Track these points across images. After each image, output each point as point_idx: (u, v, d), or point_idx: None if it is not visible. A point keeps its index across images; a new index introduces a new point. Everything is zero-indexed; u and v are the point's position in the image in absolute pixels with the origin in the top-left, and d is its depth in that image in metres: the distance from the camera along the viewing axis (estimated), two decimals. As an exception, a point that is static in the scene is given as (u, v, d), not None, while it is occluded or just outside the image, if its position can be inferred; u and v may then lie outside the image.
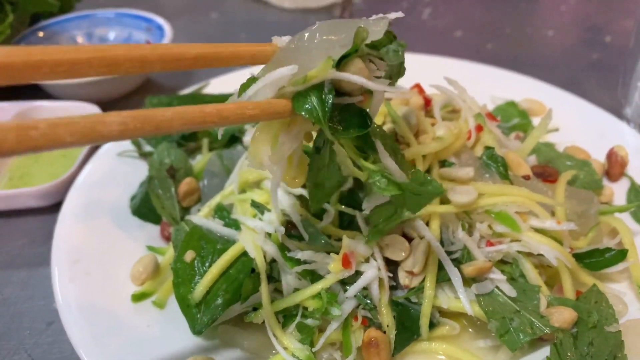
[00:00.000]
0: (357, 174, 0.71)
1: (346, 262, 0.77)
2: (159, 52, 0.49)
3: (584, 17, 1.94)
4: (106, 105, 1.37)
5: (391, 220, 0.76)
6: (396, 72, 0.72)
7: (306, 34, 0.62)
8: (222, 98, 1.24)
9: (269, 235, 0.84)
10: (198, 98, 1.23)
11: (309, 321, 0.79)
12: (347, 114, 0.64)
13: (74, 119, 0.40)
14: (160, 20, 1.56)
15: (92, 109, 1.30)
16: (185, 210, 1.00)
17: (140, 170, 1.09)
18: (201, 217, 0.92)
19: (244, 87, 0.62)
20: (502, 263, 0.86)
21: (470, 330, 0.84)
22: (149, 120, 0.45)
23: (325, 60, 0.59)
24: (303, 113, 0.60)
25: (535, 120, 1.21)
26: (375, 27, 0.64)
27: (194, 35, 1.85)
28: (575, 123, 1.20)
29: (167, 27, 1.52)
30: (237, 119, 0.54)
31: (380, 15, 0.67)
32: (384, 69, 0.67)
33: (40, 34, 1.52)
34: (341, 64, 0.61)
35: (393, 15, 0.66)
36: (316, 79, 0.59)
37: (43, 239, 1.06)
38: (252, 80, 0.62)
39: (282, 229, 0.81)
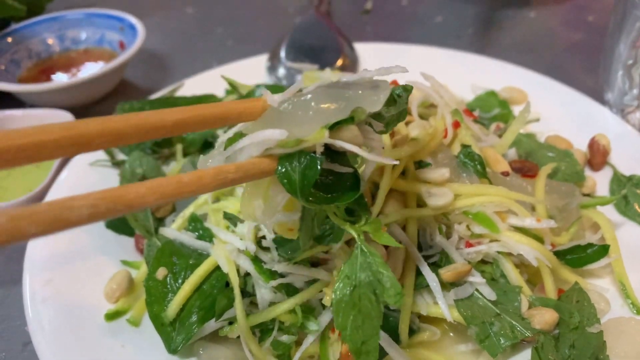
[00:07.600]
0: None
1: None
2: (133, 122, 0.44)
3: (567, -4, 1.90)
4: (80, 110, 1.34)
5: None
6: (395, 119, 0.67)
7: (301, 99, 0.57)
8: (195, 100, 1.21)
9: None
10: (171, 102, 1.20)
11: (285, 337, 0.77)
12: (337, 176, 0.61)
13: (38, 207, 0.37)
14: (132, 19, 1.52)
15: (66, 116, 1.27)
16: (160, 221, 0.98)
17: (114, 180, 1.07)
18: (174, 229, 0.90)
19: (231, 142, 0.58)
20: (483, 263, 0.85)
21: (451, 334, 0.83)
22: (120, 200, 0.41)
23: (319, 131, 0.55)
24: (283, 182, 0.57)
25: (517, 109, 1.19)
26: (376, 96, 0.59)
27: (169, 32, 1.81)
28: (557, 111, 1.18)
29: (139, 26, 1.48)
30: (217, 185, 0.50)
31: (383, 68, 0.61)
32: (381, 127, 0.64)
33: (9, 39, 1.48)
34: (335, 127, 0.58)
35: (397, 70, 0.62)
36: (307, 143, 0.56)
37: (19, 255, 1.03)
38: (239, 135, 0.59)
39: (254, 247, 0.79)
